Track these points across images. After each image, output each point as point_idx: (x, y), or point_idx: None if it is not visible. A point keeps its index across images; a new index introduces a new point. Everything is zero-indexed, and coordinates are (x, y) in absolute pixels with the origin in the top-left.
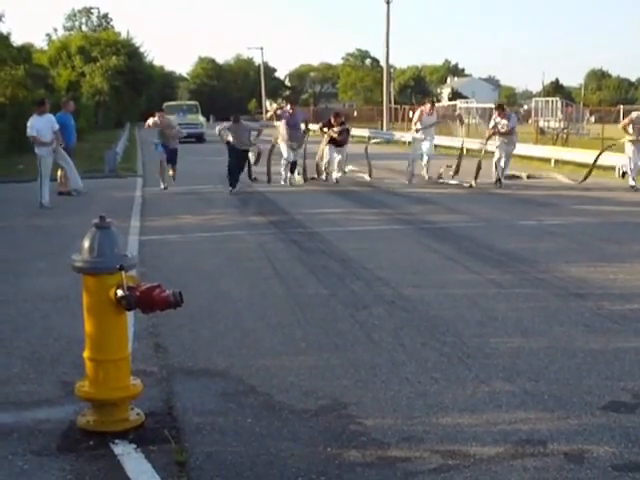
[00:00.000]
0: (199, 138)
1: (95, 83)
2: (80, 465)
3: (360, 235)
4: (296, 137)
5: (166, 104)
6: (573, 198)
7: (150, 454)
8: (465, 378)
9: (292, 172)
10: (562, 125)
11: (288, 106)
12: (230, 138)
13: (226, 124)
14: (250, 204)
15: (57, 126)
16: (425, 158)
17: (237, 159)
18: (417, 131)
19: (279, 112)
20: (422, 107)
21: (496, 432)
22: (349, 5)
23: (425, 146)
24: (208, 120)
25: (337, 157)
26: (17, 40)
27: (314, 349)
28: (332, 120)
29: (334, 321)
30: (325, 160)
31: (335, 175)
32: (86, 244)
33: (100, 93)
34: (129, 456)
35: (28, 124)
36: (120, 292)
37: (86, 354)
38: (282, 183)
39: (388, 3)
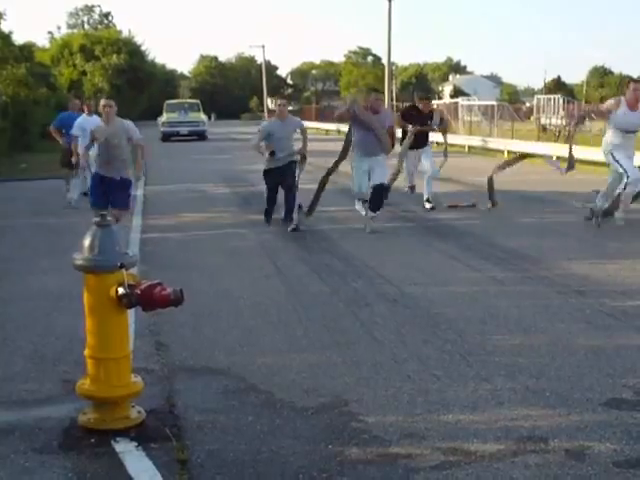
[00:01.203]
0: (201, 136)
1: (96, 82)
2: (81, 463)
3: (362, 233)
4: (375, 149)
5: (167, 102)
6: (574, 195)
7: (151, 452)
8: (467, 375)
9: (375, 209)
10: (564, 122)
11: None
12: (267, 149)
13: (263, 127)
14: (252, 202)
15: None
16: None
17: (282, 176)
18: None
19: (354, 109)
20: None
21: (497, 429)
22: (351, 2)
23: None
24: (210, 118)
25: (426, 166)
26: (19, 39)
27: (316, 347)
28: (420, 107)
29: (336, 319)
30: (404, 176)
31: (429, 205)
32: (87, 242)
33: (101, 92)
34: (130, 454)
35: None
36: (121, 290)
37: (87, 352)
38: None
39: (390, 0)
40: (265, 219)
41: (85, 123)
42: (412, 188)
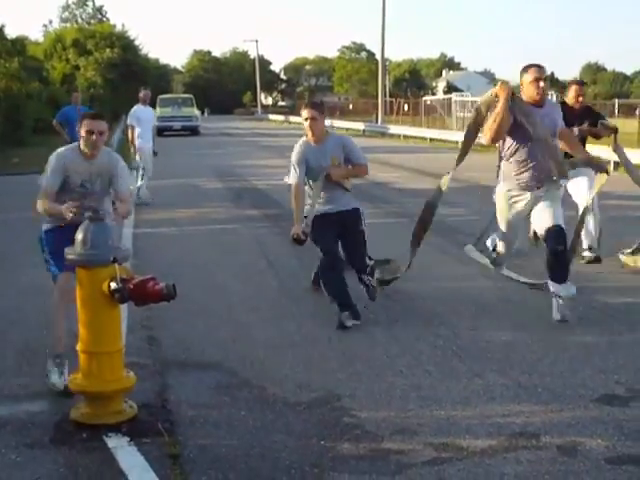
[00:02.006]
0: (194, 131)
1: (89, 76)
2: (73, 457)
3: None
4: (544, 171)
5: (160, 97)
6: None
7: (143, 447)
8: (459, 371)
9: (562, 278)
10: None
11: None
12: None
13: (295, 155)
14: (245, 197)
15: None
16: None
17: (343, 227)
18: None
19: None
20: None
21: (489, 425)
22: None
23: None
24: (203, 113)
25: (583, 189)
26: (11, 32)
27: (308, 342)
28: (571, 99)
29: (328, 314)
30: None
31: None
32: (79, 237)
33: (94, 86)
34: (122, 449)
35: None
36: (113, 285)
37: (79, 347)
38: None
39: None
40: (343, 316)
41: (140, 113)
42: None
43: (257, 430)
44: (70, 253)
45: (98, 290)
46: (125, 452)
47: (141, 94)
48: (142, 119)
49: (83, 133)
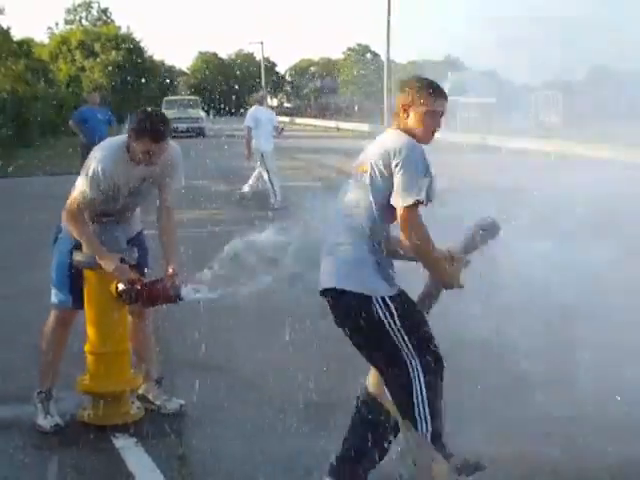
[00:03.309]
0: (200, 133)
1: (95, 78)
2: (81, 458)
3: None
4: None
5: (166, 99)
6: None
7: (151, 447)
8: (458, 371)
9: None
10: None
11: None
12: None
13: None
14: (250, 199)
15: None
16: None
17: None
18: None
19: None
20: None
21: (484, 428)
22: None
23: None
24: (208, 114)
25: None
26: (17, 34)
27: (314, 343)
28: None
29: (330, 315)
30: None
31: None
32: None
33: (100, 88)
34: (130, 450)
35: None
36: (121, 286)
37: (87, 348)
38: None
39: None
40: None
41: (258, 113)
42: None
43: (263, 431)
44: (78, 254)
45: (106, 291)
46: (132, 453)
47: (258, 95)
48: (261, 120)
49: (139, 152)
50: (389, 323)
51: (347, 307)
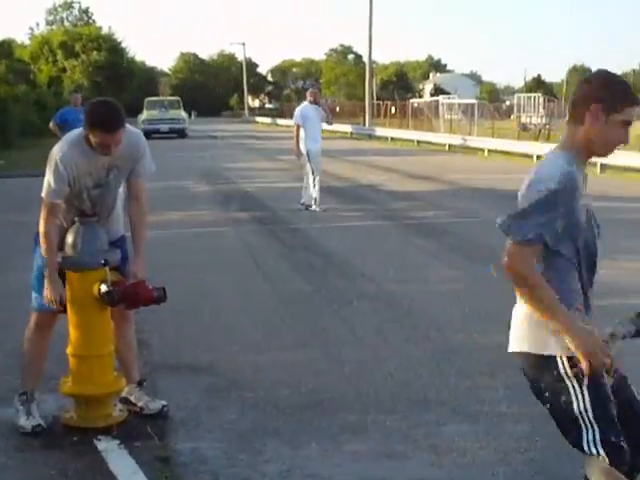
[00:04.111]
0: (181, 133)
1: (76, 79)
2: (64, 461)
3: (343, 231)
4: None
5: (147, 99)
6: None
7: (134, 450)
8: (448, 373)
9: None
10: (544, 121)
11: None
12: None
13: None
14: (233, 200)
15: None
16: None
17: None
18: None
19: None
20: None
21: (479, 427)
22: (332, 0)
23: None
24: (190, 116)
25: None
26: None
27: (298, 345)
28: None
29: (318, 317)
30: None
31: None
32: (69, 239)
33: (81, 89)
34: (113, 452)
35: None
36: (104, 287)
37: (69, 350)
38: None
39: None
40: None
41: (307, 111)
42: None
43: (247, 433)
44: (60, 255)
45: (88, 293)
46: (115, 455)
47: (309, 92)
48: (310, 118)
49: (96, 144)
50: None
51: None
